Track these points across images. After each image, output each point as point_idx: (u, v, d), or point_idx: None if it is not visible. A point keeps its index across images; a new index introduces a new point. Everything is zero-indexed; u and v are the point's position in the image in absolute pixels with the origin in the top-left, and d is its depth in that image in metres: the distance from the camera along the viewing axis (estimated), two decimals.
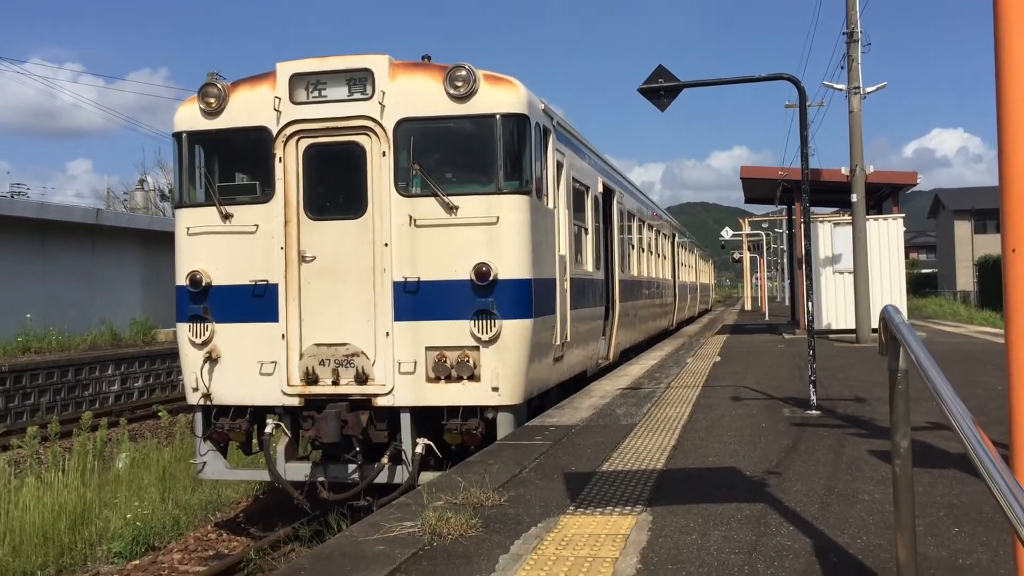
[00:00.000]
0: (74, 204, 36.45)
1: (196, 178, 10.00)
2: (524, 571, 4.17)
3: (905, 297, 20.70)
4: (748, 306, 63.57)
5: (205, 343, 9.63)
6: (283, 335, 9.36)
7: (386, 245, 9.20)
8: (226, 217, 9.60)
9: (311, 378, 9.31)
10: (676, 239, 29.02)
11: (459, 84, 9.13)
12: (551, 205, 10.45)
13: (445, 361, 9.08)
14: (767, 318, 37.63)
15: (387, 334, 9.18)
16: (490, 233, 9.06)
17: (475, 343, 9.03)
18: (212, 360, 9.59)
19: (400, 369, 9.14)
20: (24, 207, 29.00)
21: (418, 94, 9.25)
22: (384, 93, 9.23)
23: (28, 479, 11.82)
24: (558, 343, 10.48)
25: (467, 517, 4.95)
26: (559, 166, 11.03)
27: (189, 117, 9.85)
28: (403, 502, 5.49)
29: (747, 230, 64.51)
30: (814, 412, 9.18)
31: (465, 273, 9.00)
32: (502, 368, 9.02)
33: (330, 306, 9.36)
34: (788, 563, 4.25)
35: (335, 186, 9.70)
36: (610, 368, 14.72)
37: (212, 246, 9.66)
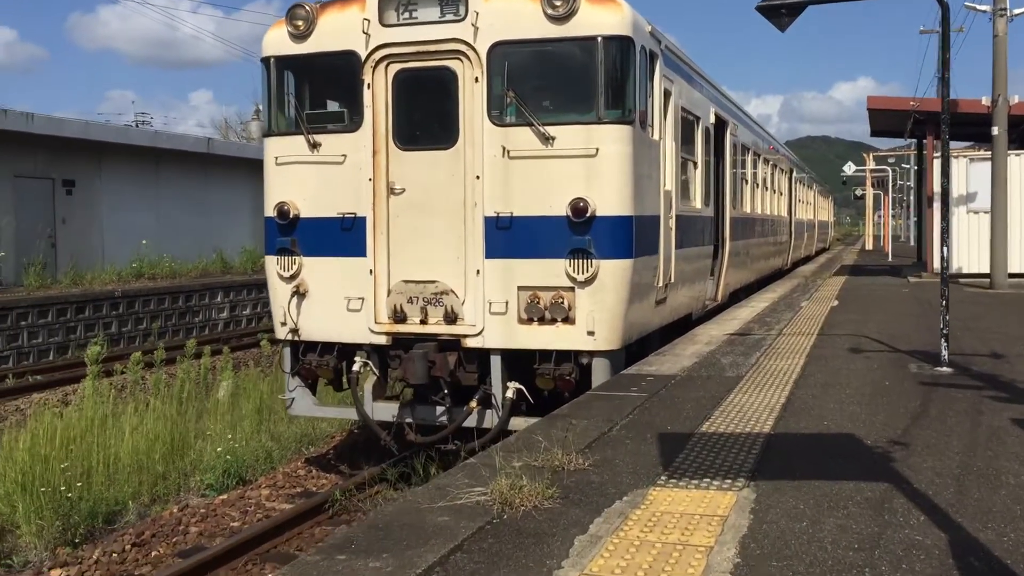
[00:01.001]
0: (187, 134, 37.12)
1: (284, 105, 9.62)
2: (602, 559, 3.62)
3: None
4: (869, 245, 60.89)
5: (293, 277, 9.35)
6: (371, 270, 8.99)
7: (478, 178, 8.64)
8: (314, 146, 9.20)
9: (399, 316, 8.92)
10: (794, 174, 27.53)
11: (558, 3, 8.39)
12: (656, 136, 9.66)
13: (538, 302, 8.54)
14: (890, 259, 35.75)
15: (477, 272, 8.68)
16: (588, 166, 8.39)
17: (570, 284, 8.46)
18: (300, 295, 9.31)
19: (491, 309, 8.66)
20: (139, 135, 29.61)
21: (513, 15, 8.55)
22: (477, 14, 8.57)
23: (128, 406, 11.94)
24: (661, 284, 9.78)
25: (544, 486, 4.41)
26: (666, 94, 10.19)
27: (277, 41, 9.41)
28: (473, 464, 4.99)
29: (871, 165, 61.29)
30: (945, 369, 8.26)
31: (561, 209, 8.39)
32: (598, 311, 8.42)
33: (419, 241, 8.91)
34: (919, 566, 3.56)
35: (425, 114, 9.16)
36: (719, 310, 13.93)
37: (300, 176, 9.29)
